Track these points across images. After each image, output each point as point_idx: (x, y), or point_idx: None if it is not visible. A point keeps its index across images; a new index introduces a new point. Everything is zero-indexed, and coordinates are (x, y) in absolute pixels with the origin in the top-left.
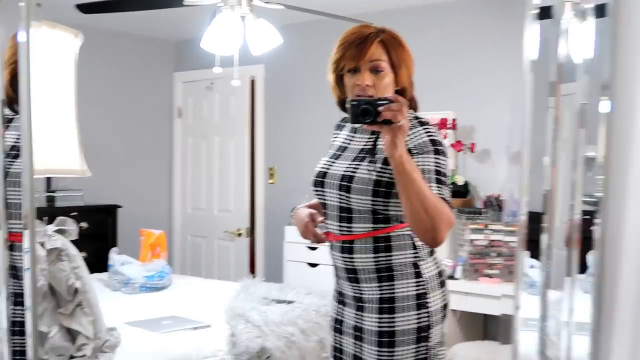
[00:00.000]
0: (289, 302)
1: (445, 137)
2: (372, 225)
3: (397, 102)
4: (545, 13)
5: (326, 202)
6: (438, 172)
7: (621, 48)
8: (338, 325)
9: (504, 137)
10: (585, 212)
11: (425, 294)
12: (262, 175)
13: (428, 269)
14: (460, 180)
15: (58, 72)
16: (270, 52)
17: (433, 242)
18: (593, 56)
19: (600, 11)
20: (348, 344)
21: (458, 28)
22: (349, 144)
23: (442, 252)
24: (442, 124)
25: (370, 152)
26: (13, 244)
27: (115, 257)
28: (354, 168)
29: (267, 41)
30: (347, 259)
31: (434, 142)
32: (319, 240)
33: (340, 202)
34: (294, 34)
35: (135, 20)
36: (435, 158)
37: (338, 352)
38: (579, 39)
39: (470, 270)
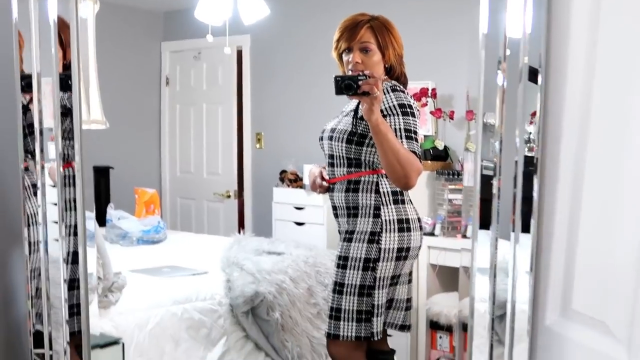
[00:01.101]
0: (279, 254)
1: (425, 104)
2: (346, 169)
3: (373, 77)
4: None
5: (325, 152)
6: (406, 130)
7: (553, 30)
8: None
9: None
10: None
11: (379, 232)
12: (250, 141)
13: (387, 214)
14: (440, 145)
15: (85, 35)
16: (256, 23)
17: (406, 186)
18: (531, 31)
19: None
20: None
21: (433, 2)
22: (347, 108)
23: (422, 210)
24: (423, 93)
25: (354, 113)
26: None
27: (112, 212)
28: (338, 122)
29: (254, 12)
30: (333, 198)
31: (402, 106)
32: (323, 190)
33: (329, 151)
34: (278, 4)
35: None
36: (404, 119)
37: None
38: (520, 14)
39: (448, 228)
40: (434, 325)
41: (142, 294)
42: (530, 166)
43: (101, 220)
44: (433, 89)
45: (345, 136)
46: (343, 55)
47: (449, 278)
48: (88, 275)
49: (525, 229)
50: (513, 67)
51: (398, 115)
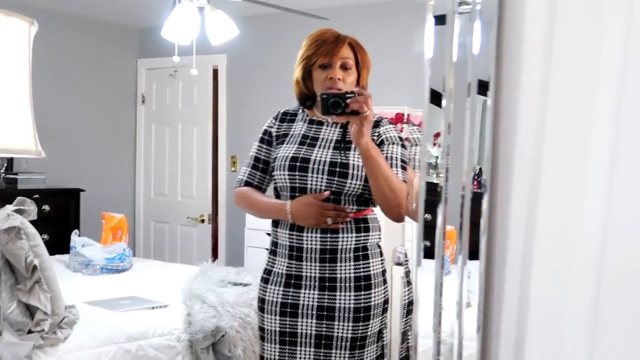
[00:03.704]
0: (245, 285)
1: (401, 130)
2: (356, 207)
3: (362, 95)
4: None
5: (307, 186)
6: (403, 161)
7: (503, 51)
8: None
9: None
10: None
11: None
12: (225, 163)
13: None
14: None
15: (14, 58)
16: (232, 42)
17: (398, 217)
18: (479, 53)
19: (488, 17)
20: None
21: (408, 24)
22: (318, 134)
23: (397, 239)
24: (398, 119)
25: (344, 143)
26: None
27: (76, 238)
28: (343, 156)
29: (224, 32)
30: (328, 239)
31: (400, 138)
32: (344, 215)
33: (328, 187)
34: (254, 25)
35: (100, 6)
36: (403, 149)
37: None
38: (469, 39)
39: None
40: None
41: (95, 330)
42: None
43: (67, 247)
44: (408, 115)
45: (364, 173)
46: (316, 72)
47: None
48: None
49: (474, 256)
50: (460, 90)
51: (397, 144)
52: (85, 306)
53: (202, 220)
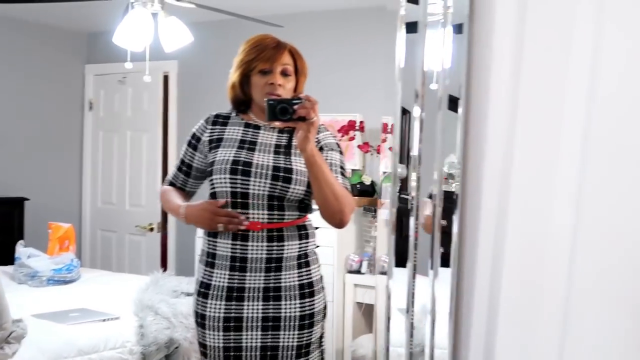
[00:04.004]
0: None
1: (353, 138)
2: (298, 213)
3: (310, 101)
4: (412, 26)
5: (249, 191)
6: (342, 168)
7: (473, 61)
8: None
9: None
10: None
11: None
12: None
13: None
14: (367, 180)
15: None
16: (183, 48)
17: (340, 223)
18: (450, 66)
19: (458, 28)
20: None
21: (366, 33)
22: (256, 138)
23: (349, 248)
24: (350, 126)
25: (287, 148)
26: None
27: (21, 249)
28: (286, 160)
29: (177, 39)
30: (274, 247)
31: (338, 145)
32: (237, 222)
33: (271, 192)
34: (207, 31)
35: (46, 10)
36: (340, 156)
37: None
38: (440, 50)
39: (375, 265)
40: None
41: (44, 344)
42: (449, 200)
43: (11, 258)
44: (361, 122)
45: (307, 179)
46: (255, 78)
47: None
48: None
49: (445, 263)
50: (431, 100)
51: (336, 151)
52: (33, 319)
53: (151, 229)
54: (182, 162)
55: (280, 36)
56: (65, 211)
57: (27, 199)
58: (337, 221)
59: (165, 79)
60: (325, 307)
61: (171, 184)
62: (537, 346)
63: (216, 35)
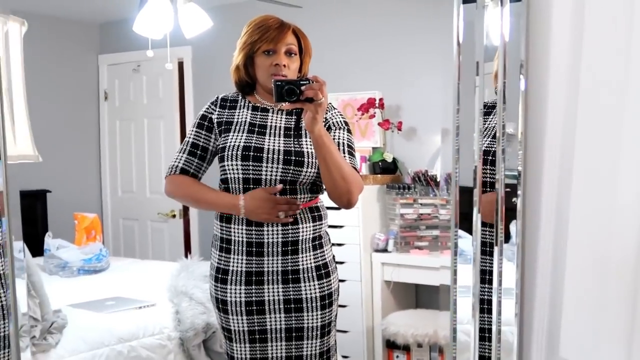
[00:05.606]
0: None
1: (373, 116)
2: (310, 195)
3: (317, 82)
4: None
5: (261, 177)
6: (350, 146)
7: (533, 31)
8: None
9: (429, 115)
10: (507, 185)
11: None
12: None
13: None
14: (388, 158)
15: (10, 60)
16: (198, 34)
17: (348, 204)
18: (510, 38)
19: None
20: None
21: (384, 9)
22: (265, 122)
23: (374, 226)
24: (370, 104)
25: (297, 130)
26: None
27: (50, 241)
28: (296, 143)
29: (197, 24)
30: (289, 231)
31: (345, 123)
32: (295, 208)
33: (284, 176)
34: (220, 15)
35: (58, 2)
36: (348, 134)
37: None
38: (498, 22)
39: (401, 243)
40: (391, 345)
41: (85, 333)
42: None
43: (38, 249)
44: (380, 99)
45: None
46: (259, 59)
47: (404, 295)
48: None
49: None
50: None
51: (343, 129)
52: (70, 309)
53: (173, 216)
54: (195, 145)
55: (297, 15)
56: (87, 202)
57: (49, 191)
58: (345, 202)
59: (180, 65)
60: (338, 287)
61: (183, 171)
62: (605, 325)
63: (230, 19)
